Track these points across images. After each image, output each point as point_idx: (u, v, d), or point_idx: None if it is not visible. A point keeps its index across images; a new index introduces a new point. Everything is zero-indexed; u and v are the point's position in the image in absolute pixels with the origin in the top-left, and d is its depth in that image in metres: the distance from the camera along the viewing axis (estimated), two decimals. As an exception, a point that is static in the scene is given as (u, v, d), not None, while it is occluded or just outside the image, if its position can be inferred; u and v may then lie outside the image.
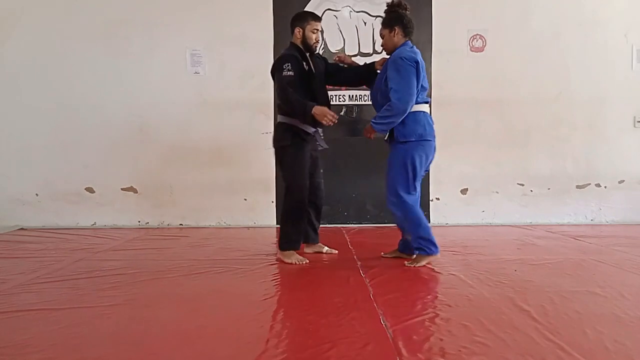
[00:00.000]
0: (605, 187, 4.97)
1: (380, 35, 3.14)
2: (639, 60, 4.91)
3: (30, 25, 4.74)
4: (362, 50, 4.87)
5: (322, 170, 3.39)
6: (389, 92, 2.91)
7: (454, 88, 4.85)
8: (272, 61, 4.84)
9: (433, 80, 4.86)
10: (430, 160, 3.10)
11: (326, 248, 3.43)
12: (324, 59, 3.38)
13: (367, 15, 4.86)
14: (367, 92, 4.84)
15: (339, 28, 4.85)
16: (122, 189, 4.85)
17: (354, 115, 4.86)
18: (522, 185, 4.96)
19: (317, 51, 3.21)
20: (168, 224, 4.88)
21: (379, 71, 3.19)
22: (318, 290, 2.54)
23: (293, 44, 3.18)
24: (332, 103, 4.80)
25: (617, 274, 2.83)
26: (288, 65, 2.99)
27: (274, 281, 2.72)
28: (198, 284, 2.69)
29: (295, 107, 3.00)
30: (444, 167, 4.90)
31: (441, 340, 1.83)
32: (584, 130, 4.94)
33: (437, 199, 4.94)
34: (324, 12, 4.83)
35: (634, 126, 4.94)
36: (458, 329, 1.95)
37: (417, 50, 3.05)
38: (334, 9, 4.83)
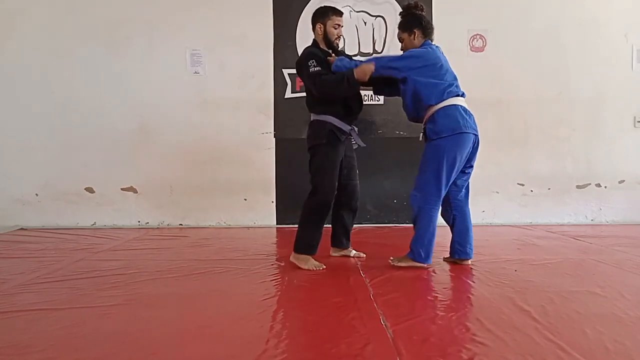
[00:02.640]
0: (605, 187, 4.97)
1: (400, 39, 3.02)
2: (639, 60, 4.91)
3: (30, 25, 4.74)
4: (362, 50, 4.87)
5: (357, 171, 3.27)
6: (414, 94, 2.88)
7: (454, 88, 4.84)
8: (272, 61, 4.88)
9: (433, 80, 4.86)
10: (469, 153, 2.96)
11: (354, 252, 3.33)
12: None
13: (367, 15, 4.86)
14: (366, 92, 4.85)
15: (339, 28, 4.84)
16: (122, 189, 4.85)
17: (354, 115, 4.86)
18: (522, 185, 4.96)
19: (339, 47, 3.08)
20: (168, 224, 4.88)
21: None
22: (318, 290, 2.54)
23: (315, 42, 3.07)
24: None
25: (617, 274, 2.83)
26: (313, 62, 2.88)
27: (274, 281, 2.72)
28: (198, 284, 2.69)
29: (338, 85, 2.85)
30: (444, 167, 4.90)
31: (441, 340, 1.83)
32: (584, 130, 4.94)
33: (437, 199, 4.93)
34: (324, 12, 4.82)
35: (634, 126, 4.94)
36: (458, 329, 1.95)
37: (436, 47, 3.04)
38: (334, 9, 4.83)
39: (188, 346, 1.80)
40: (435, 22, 4.83)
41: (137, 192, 4.85)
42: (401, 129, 4.89)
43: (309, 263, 3.00)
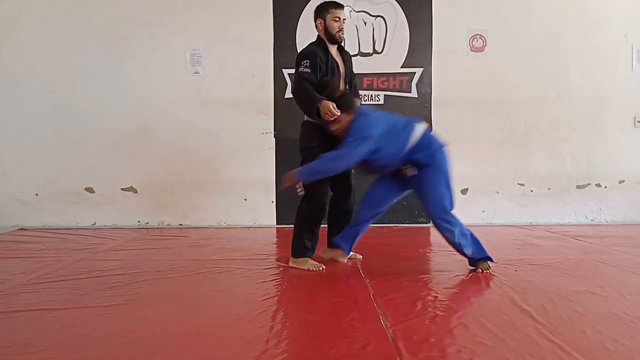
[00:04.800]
0: (605, 187, 4.97)
1: (338, 120, 2.80)
2: (639, 60, 4.91)
3: (30, 25, 4.74)
4: (362, 50, 4.87)
5: (353, 171, 3.21)
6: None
7: (454, 88, 4.85)
8: (272, 61, 4.88)
9: (433, 80, 4.87)
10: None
11: (351, 253, 3.24)
12: (350, 57, 3.19)
13: (367, 15, 4.86)
14: (366, 92, 4.86)
15: (339, 28, 4.84)
16: (122, 189, 4.84)
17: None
18: (522, 185, 4.96)
19: (341, 41, 3.03)
20: (168, 224, 4.88)
21: None
22: (318, 290, 2.54)
23: (318, 38, 3.03)
24: (332, 103, 4.86)
25: (617, 274, 2.83)
26: (307, 62, 2.86)
27: (274, 281, 2.72)
28: (198, 284, 2.69)
29: (305, 102, 2.84)
30: (444, 167, 4.90)
31: (441, 340, 1.83)
32: (584, 130, 4.94)
33: (437, 199, 4.93)
34: (324, 12, 4.82)
35: (634, 126, 4.94)
36: (458, 329, 1.95)
37: (369, 112, 2.89)
38: (334, 9, 4.83)
39: (188, 346, 1.80)
40: (435, 22, 4.85)
41: (137, 192, 4.85)
42: (401, 129, 4.89)
43: (308, 264, 3.00)
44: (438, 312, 2.16)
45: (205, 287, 2.62)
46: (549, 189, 4.96)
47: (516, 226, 4.77)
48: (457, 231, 2.84)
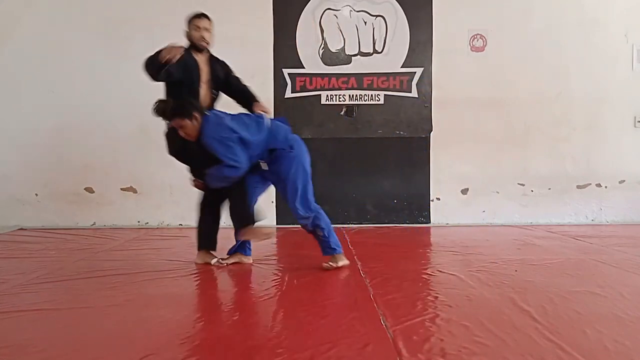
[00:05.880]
0: (605, 187, 4.97)
1: (180, 125, 2.85)
2: (639, 61, 4.91)
3: (30, 25, 4.74)
4: (362, 50, 4.87)
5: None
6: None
7: (454, 88, 4.85)
8: (272, 61, 4.88)
9: (433, 80, 4.87)
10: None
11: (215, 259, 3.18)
12: (226, 66, 3.32)
13: (367, 14, 4.86)
14: (366, 92, 4.86)
15: (339, 28, 4.85)
16: (122, 189, 4.84)
17: (354, 115, 4.86)
18: (523, 185, 4.96)
19: (204, 49, 3.14)
20: (168, 224, 4.88)
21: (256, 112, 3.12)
22: (318, 290, 2.54)
23: (189, 44, 3.16)
24: (332, 103, 4.87)
25: (617, 274, 2.83)
26: (171, 67, 2.96)
27: (274, 281, 2.72)
28: (198, 284, 2.69)
29: (151, 59, 2.95)
30: (444, 167, 4.91)
31: (441, 340, 1.83)
32: (584, 130, 4.94)
33: (437, 199, 4.94)
34: (324, 11, 4.83)
35: (634, 126, 4.94)
36: (458, 329, 1.95)
37: (221, 114, 2.98)
38: (334, 8, 4.83)
39: (188, 346, 1.80)
40: (435, 22, 4.85)
41: (137, 192, 4.85)
42: (401, 129, 4.90)
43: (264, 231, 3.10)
44: (438, 312, 2.16)
45: (205, 287, 2.62)
46: (549, 189, 4.96)
47: (516, 226, 4.77)
48: (315, 220, 2.92)
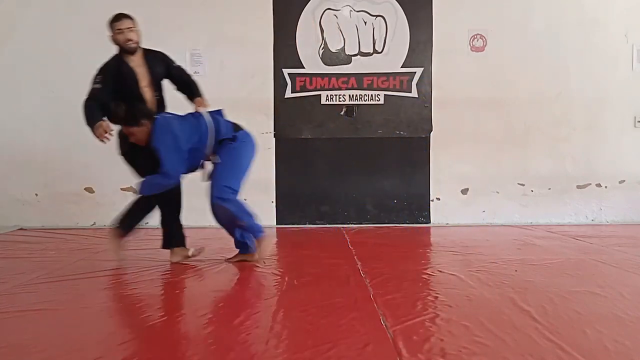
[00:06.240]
0: (605, 187, 4.97)
1: (129, 132, 2.96)
2: (639, 61, 4.91)
3: (30, 25, 4.74)
4: (362, 50, 4.87)
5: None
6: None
7: (454, 88, 4.85)
8: (272, 61, 4.88)
9: (433, 80, 4.87)
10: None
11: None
12: (165, 58, 3.28)
13: (367, 14, 4.86)
14: (366, 92, 4.86)
15: (339, 28, 4.85)
16: (122, 189, 4.83)
17: (354, 115, 4.86)
18: (523, 185, 4.96)
19: (132, 50, 3.09)
20: (168, 224, 4.87)
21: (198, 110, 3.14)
22: (318, 290, 2.54)
23: (118, 49, 3.16)
24: (332, 103, 4.87)
25: (617, 274, 2.83)
26: (99, 77, 3.01)
27: (274, 281, 2.72)
28: (198, 284, 2.69)
29: (87, 122, 2.99)
30: (444, 167, 4.91)
31: (441, 340, 1.83)
32: (584, 130, 4.94)
33: (437, 199, 4.94)
34: (324, 11, 4.83)
35: (634, 126, 4.94)
36: (458, 329, 1.95)
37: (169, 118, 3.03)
38: (334, 8, 4.83)
39: (188, 346, 1.80)
40: (435, 22, 4.85)
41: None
42: (401, 129, 4.89)
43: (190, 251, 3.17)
44: (438, 312, 2.16)
45: (205, 287, 2.62)
46: (549, 189, 4.96)
47: (516, 226, 4.77)
48: (235, 210, 2.97)
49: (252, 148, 3.14)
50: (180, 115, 3.08)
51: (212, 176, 3.04)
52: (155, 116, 2.96)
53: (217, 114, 3.13)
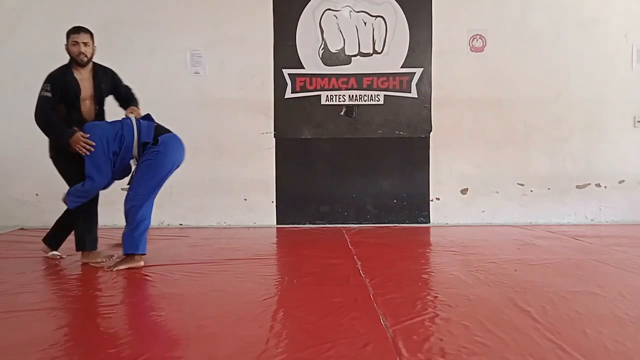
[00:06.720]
0: (605, 187, 4.97)
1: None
2: (639, 60, 4.91)
3: (29, 25, 4.74)
4: (362, 50, 4.87)
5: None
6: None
7: (454, 88, 4.85)
8: (272, 61, 4.88)
9: (433, 81, 4.87)
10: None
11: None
12: (115, 76, 3.40)
13: (367, 15, 4.86)
14: (366, 92, 4.87)
15: (339, 28, 4.85)
16: (122, 189, 4.80)
17: (353, 115, 4.86)
18: (522, 185, 4.96)
19: (83, 63, 3.17)
20: (168, 224, 4.88)
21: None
22: (318, 290, 2.54)
23: (69, 60, 3.22)
24: (332, 103, 4.87)
25: (617, 274, 2.83)
26: (47, 86, 3.07)
27: (274, 281, 2.72)
28: (198, 284, 2.69)
29: (53, 130, 3.07)
30: (444, 167, 4.91)
31: (441, 340, 1.83)
32: (584, 130, 4.94)
33: (437, 199, 4.94)
34: (324, 12, 4.83)
35: (634, 126, 4.94)
36: (458, 329, 1.95)
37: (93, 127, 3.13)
38: (334, 9, 4.84)
39: (188, 346, 1.80)
40: (435, 22, 4.86)
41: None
42: (401, 129, 4.90)
43: (100, 255, 3.17)
44: (438, 311, 2.16)
45: (205, 287, 2.62)
46: (549, 189, 4.96)
47: (516, 226, 4.77)
48: (133, 210, 3.03)
49: (170, 156, 3.12)
50: (110, 122, 3.21)
51: (131, 179, 3.16)
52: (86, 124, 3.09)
53: (143, 118, 3.22)
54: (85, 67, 3.19)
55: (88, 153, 2.99)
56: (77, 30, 3.17)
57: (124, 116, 3.21)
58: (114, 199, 4.80)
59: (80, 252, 3.19)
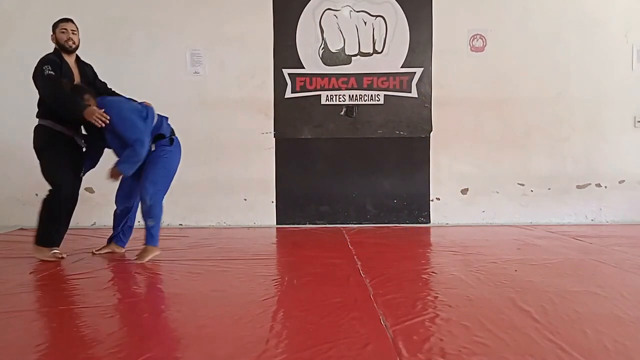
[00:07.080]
0: (605, 187, 4.97)
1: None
2: (639, 60, 4.91)
3: (29, 25, 4.74)
4: (362, 50, 4.87)
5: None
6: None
7: (454, 88, 4.85)
8: (272, 61, 4.88)
9: (433, 80, 4.87)
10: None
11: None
12: (93, 70, 3.52)
13: (367, 15, 4.86)
14: (366, 92, 4.87)
15: (339, 28, 4.85)
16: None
17: (354, 115, 4.86)
18: (522, 185, 4.96)
19: (71, 50, 3.31)
20: (168, 224, 4.87)
21: None
22: (318, 290, 2.54)
23: (55, 49, 3.33)
24: (332, 103, 4.87)
25: (617, 274, 2.83)
26: (48, 67, 3.12)
27: (274, 281, 2.72)
28: (198, 284, 2.69)
29: (66, 104, 3.08)
30: (444, 167, 4.91)
31: (441, 340, 1.83)
32: (584, 130, 4.94)
33: (437, 199, 4.94)
34: (324, 11, 4.83)
35: (634, 126, 4.94)
36: (458, 329, 1.95)
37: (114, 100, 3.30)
38: (334, 8, 4.83)
39: (188, 346, 1.80)
40: (435, 22, 4.86)
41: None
42: (401, 129, 4.90)
43: (50, 254, 3.19)
44: (438, 312, 2.16)
45: (205, 287, 2.62)
46: (549, 189, 4.96)
47: (516, 226, 4.77)
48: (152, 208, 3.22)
49: (178, 159, 3.39)
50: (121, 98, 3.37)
51: (147, 171, 3.25)
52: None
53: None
54: (71, 55, 3.33)
55: (103, 125, 3.02)
56: (65, 20, 3.35)
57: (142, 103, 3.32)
58: (113, 198, 4.81)
59: (35, 245, 3.23)
